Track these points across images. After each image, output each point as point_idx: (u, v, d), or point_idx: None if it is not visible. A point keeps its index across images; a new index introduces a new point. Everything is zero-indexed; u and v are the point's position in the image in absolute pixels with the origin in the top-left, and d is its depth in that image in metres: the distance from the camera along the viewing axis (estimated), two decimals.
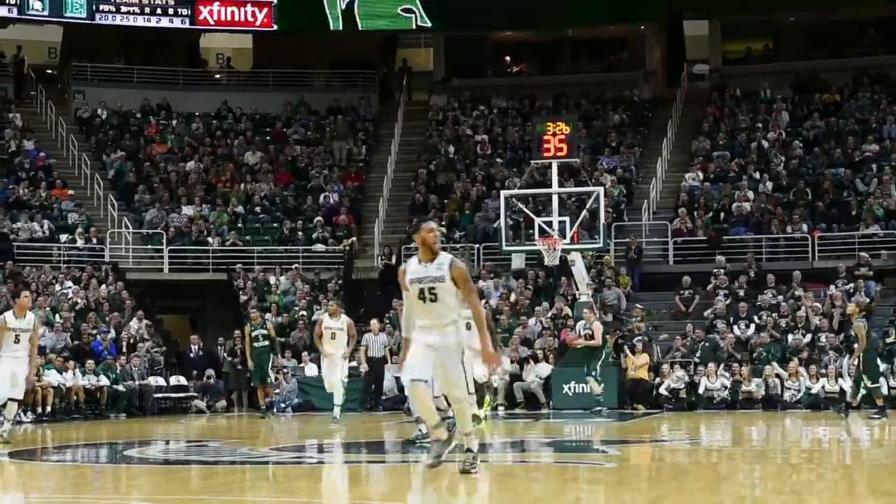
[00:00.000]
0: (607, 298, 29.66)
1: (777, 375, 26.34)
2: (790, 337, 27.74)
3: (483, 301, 29.98)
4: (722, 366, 26.75)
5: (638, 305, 29.55)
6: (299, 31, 41.12)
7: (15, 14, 38.44)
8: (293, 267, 32.76)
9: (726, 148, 36.28)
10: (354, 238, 34.82)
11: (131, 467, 14.43)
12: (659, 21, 40.52)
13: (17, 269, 30.25)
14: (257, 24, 40.42)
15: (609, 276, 30.60)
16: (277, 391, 27.11)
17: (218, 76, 43.21)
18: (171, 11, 39.68)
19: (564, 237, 26.73)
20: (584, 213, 27.53)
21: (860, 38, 39.92)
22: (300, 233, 34.70)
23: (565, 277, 29.60)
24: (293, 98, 41.23)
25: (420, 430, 15.58)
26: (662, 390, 26.32)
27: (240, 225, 35.37)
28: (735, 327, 28.22)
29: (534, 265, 31.16)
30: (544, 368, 26.81)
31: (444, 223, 34.63)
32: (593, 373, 24.39)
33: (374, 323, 26.98)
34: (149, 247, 34.56)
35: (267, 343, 25.14)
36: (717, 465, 14.31)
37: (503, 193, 28.82)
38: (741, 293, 29.61)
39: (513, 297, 30.43)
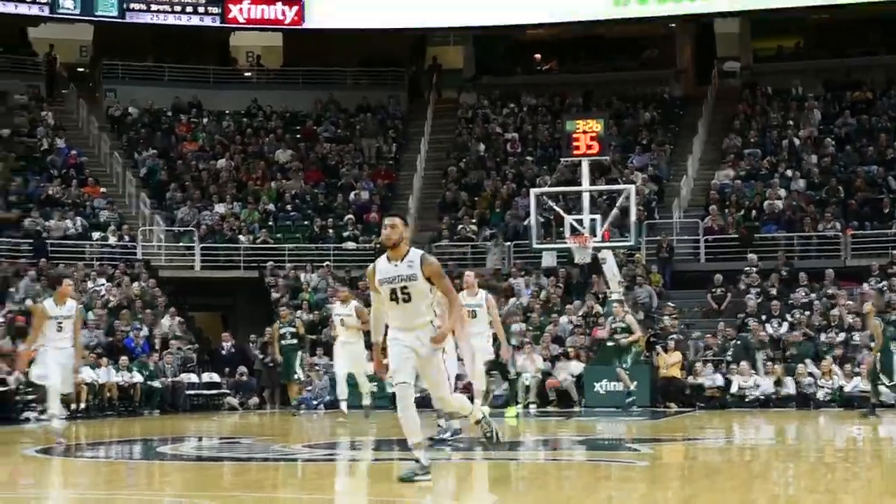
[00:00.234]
0: (639, 296, 29.57)
1: (810, 374, 26.20)
2: (823, 335, 27.59)
3: (514, 298, 30.19)
4: (754, 364, 26.62)
5: (670, 304, 29.46)
6: (329, 29, 41.14)
7: (46, 13, 38.62)
8: (324, 264, 32.80)
9: (757, 145, 36.14)
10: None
11: (164, 464, 14.48)
12: (689, 19, 40.39)
13: (51, 266, 30.41)
14: (287, 22, 40.49)
15: (640, 273, 30.53)
16: (309, 388, 27.15)
17: (248, 74, 43.32)
18: (201, 10, 39.81)
19: (595, 235, 26.64)
20: (614, 210, 27.45)
21: (893, 35, 39.65)
22: (331, 230, 34.75)
23: (596, 275, 29.53)
24: (323, 96, 41.31)
25: (439, 426, 15.55)
26: (696, 388, 26.24)
27: (271, 223, 35.45)
28: (767, 325, 28.09)
29: (565, 263, 31.11)
30: (576, 366, 26.76)
31: (474, 221, 34.65)
32: (624, 365, 24.32)
33: None
34: (180, 244, 34.67)
35: (295, 341, 25.16)
36: (750, 463, 14.27)
37: (533, 191, 28.75)
38: (773, 291, 29.47)
39: (543, 295, 30.41)
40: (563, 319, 28.88)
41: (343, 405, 21.66)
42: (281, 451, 15.67)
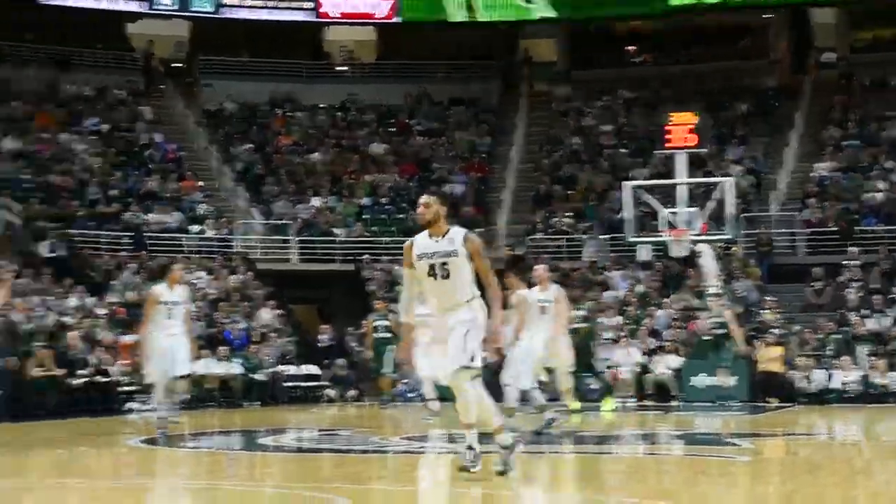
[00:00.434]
0: (737, 290, 29.29)
1: None
2: None
3: (610, 292, 30.03)
4: (856, 359, 26.25)
5: (769, 297, 29.15)
6: (422, 23, 41.25)
7: (144, 9, 39.22)
8: None
9: (856, 137, 35.62)
10: (480, 229, 34.82)
11: (266, 455, 14.63)
12: (785, 9, 39.94)
13: (150, 259, 30.82)
14: (380, 16, 40.66)
15: (738, 267, 30.24)
16: (406, 381, 27.25)
17: (342, 69, 43.56)
18: (295, 5, 40.13)
19: (692, 228, 26.46)
20: (711, 203, 27.21)
21: None
22: None
23: (693, 269, 29.31)
24: (416, 89, 41.40)
25: (545, 419, 15.53)
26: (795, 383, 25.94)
27: (366, 216, 35.62)
28: (869, 319, 27.67)
29: (661, 257, 30.91)
30: (674, 360, 26.57)
31: (568, 214, 34.53)
32: (726, 364, 24.11)
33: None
34: (277, 237, 34.96)
35: (389, 334, 25.11)
36: (852, 459, 14.09)
37: (629, 184, 28.61)
38: (874, 285, 29.04)
39: (640, 289, 30.24)
40: (661, 313, 28.69)
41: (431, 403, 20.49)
42: (379, 442, 15.75)
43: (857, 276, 29.52)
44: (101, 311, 27.04)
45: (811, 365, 26.11)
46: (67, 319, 24.33)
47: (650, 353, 26.91)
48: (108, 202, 33.76)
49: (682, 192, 27.13)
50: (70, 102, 38.16)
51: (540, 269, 17.10)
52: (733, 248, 30.88)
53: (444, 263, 10.48)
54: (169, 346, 15.71)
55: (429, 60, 42.12)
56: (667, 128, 27.62)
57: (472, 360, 10.32)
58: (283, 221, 34.96)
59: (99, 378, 23.65)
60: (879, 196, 32.52)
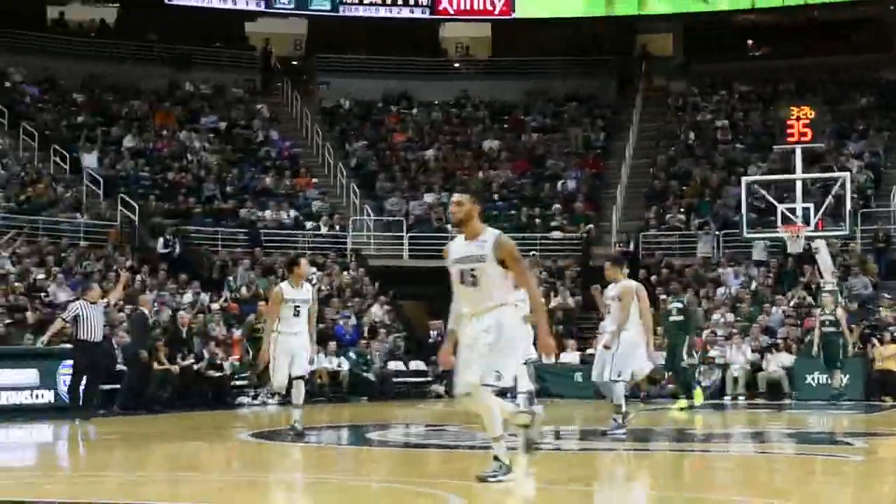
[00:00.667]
0: (854, 287, 28.79)
1: None
2: None
3: (722, 288, 29.72)
4: None
5: (886, 295, 28.58)
6: (537, 19, 41.15)
7: (262, 7, 39.78)
8: (531, 254, 32.80)
9: None
10: (592, 225, 34.68)
11: (372, 450, 14.69)
12: None
13: (265, 255, 31.17)
14: (496, 12, 40.67)
15: (855, 263, 29.71)
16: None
17: (457, 65, 43.65)
18: (411, 2, 40.36)
19: (808, 224, 26.05)
20: (829, 199, 26.76)
21: None
22: (538, 220, 34.75)
23: (809, 265, 28.84)
24: (531, 86, 41.33)
25: (614, 420, 15.28)
26: None
27: None
28: None
29: (776, 253, 30.49)
30: (786, 358, 26.19)
31: (682, 210, 34.22)
32: (839, 365, 23.68)
33: None
34: (389, 234, 35.13)
35: None
36: None
37: (745, 179, 28.27)
38: None
39: (753, 286, 29.86)
40: (775, 310, 28.30)
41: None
42: (486, 439, 15.70)
43: None
44: (215, 307, 27.42)
45: None
46: (182, 314, 24.68)
47: (763, 350, 26.55)
48: (224, 199, 34.24)
49: (798, 188, 26.69)
50: (188, 100, 38.81)
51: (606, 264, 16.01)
52: (850, 245, 30.34)
53: (473, 269, 9.77)
54: (291, 347, 15.20)
55: (544, 56, 42.02)
56: (787, 122, 27.17)
57: (498, 379, 9.70)
58: (396, 218, 35.12)
59: (212, 372, 23.98)
60: None
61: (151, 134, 36.24)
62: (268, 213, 33.84)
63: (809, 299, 27.91)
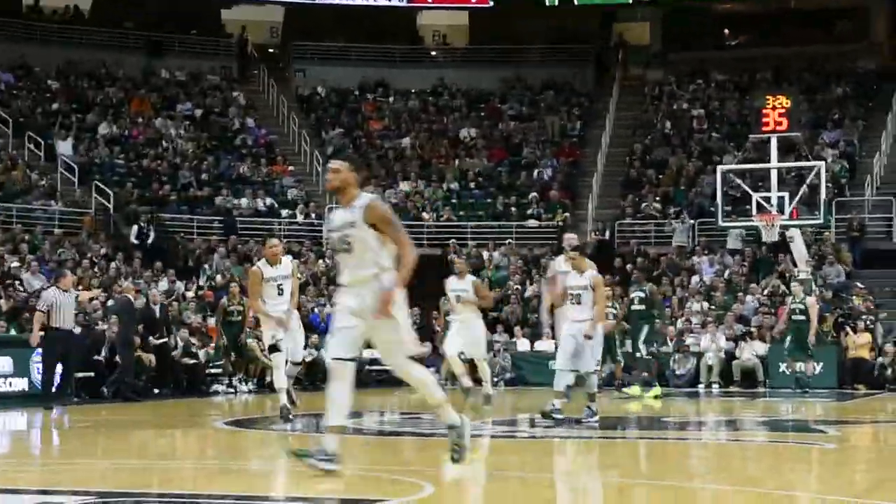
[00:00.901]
0: (828, 276, 28.91)
1: None
2: None
3: (697, 277, 29.78)
4: None
5: (858, 284, 28.72)
6: (515, 7, 41.13)
7: None
8: (507, 242, 32.87)
9: None
10: (568, 213, 34.73)
11: (347, 437, 14.65)
12: None
13: (240, 243, 31.09)
14: (473, 0, 40.61)
15: (830, 252, 29.83)
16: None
17: (434, 53, 43.59)
18: None
19: (783, 213, 26.13)
20: (803, 188, 26.84)
21: None
22: (514, 208, 34.77)
23: (783, 254, 28.95)
24: (508, 74, 41.32)
25: (588, 408, 15.31)
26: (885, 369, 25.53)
27: (454, 201, 35.63)
28: None
29: (751, 241, 30.60)
30: (760, 346, 26.29)
31: (658, 198, 34.28)
32: (808, 352, 23.74)
33: None
34: None
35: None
36: None
37: (720, 168, 28.35)
38: None
39: (728, 274, 29.96)
40: (749, 299, 28.40)
41: (465, 380, 19.16)
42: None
43: None
44: (190, 295, 27.35)
45: None
46: (153, 292, 24.61)
47: (737, 339, 26.64)
48: (199, 186, 34.16)
49: (773, 177, 26.76)
50: (164, 88, 38.67)
51: (572, 249, 15.93)
52: (825, 234, 30.47)
53: (346, 235, 9.47)
54: (290, 331, 15.08)
55: (521, 45, 42.00)
56: (763, 111, 27.24)
57: (413, 345, 9.69)
58: None
59: (186, 360, 23.90)
60: None
61: (127, 121, 36.11)
62: (243, 201, 33.77)
63: (784, 288, 28.00)
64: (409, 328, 9.69)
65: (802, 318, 23.73)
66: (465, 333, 18.83)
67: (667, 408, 20.19)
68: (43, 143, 33.38)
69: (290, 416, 15.26)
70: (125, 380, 21.45)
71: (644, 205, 34.16)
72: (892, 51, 40.15)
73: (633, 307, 22.51)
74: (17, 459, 12.38)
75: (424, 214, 34.72)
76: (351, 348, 9.59)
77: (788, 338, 24.05)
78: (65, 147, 33.62)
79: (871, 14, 40.76)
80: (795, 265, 27.27)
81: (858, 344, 25.72)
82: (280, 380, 15.37)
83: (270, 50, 42.89)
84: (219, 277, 28.72)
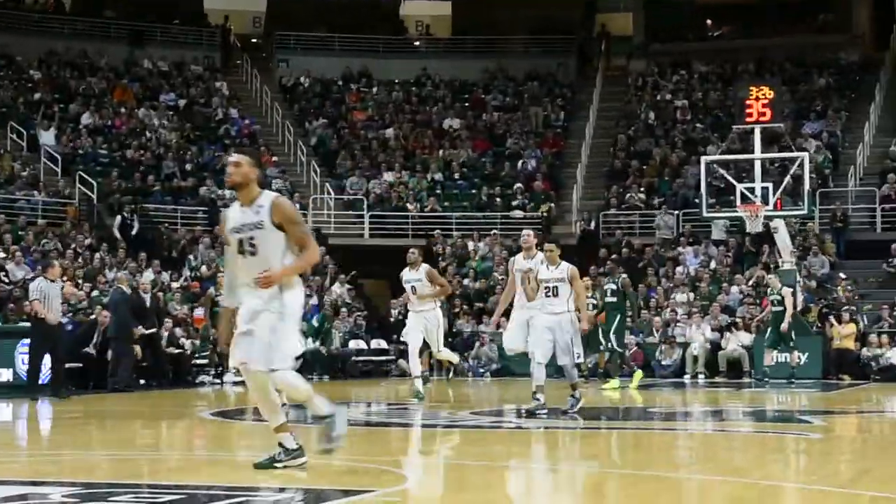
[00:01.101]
0: (812, 266, 28.99)
1: None
2: None
3: (681, 268, 29.83)
4: None
5: (841, 275, 28.80)
6: None
7: None
8: (491, 233, 32.87)
9: None
10: (552, 204, 34.75)
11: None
12: None
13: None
14: None
15: (814, 243, 29.91)
16: (475, 356, 27.24)
17: (417, 44, 43.55)
18: None
19: (767, 204, 26.16)
20: (787, 179, 26.89)
21: None
22: (498, 199, 34.77)
23: (768, 245, 29.02)
24: (491, 64, 41.29)
25: (537, 399, 15.27)
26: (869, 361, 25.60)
27: (439, 191, 35.62)
28: None
29: (735, 232, 30.66)
30: (746, 337, 26.35)
31: (642, 189, 34.31)
32: (791, 343, 23.76)
33: None
34: (350, 213, 35.06)
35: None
36: None
37: (704, 159, 28.34)
38: None
39: (712, 265, 30.02)
40: (734, 289, 28.47)
41: (418, 382, 18.33)
42: (450, 417, 15.76)
43: None
44: (175, 286, 27.30)
45: (885, 342, 25.73)
46: (141, 281, 24.56)
47: (722, 329, 26.70)
48: (183, 177, 34.05)
49: (757, 167, 26.80)
50: (147, 78, 38.55)
51: (551, 246, 15.76)
52: (809, 224, 30.54)
53: (252, 238, 9.07)
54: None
55: (504, 35, 41.99)
56: (746, 102, 27.26)
57: (284, 361, 9.06)
58: (356, 196, 35.05)
59: (172, 349, 23.85)
60: None
61: (109, 111, 35.98)
62: (227, 192, 33.64)
63: (768, 279, 28.06)
64: (291, 341, 9.14)
65: (780, 308, 23.79)
66: (423, 325, 18.43)
67: (652, 398, 20.25)
68: (25, 133, 33.25)
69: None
70: (122, 372, 21.41)
71: (628, 195, 34.20)
72: (874, 42, 40.23)
73: (606, 299, 22.49)
74: (3, 450, 12.34)
75: (409, 205, 34.69)
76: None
77: (769, 329, 24.14)
78: (47, 137, 33.51)
79: (854, 5, 40.84)
80: (780, 256, 27.31)
81: (844, 334, 25.78)
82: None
83: (253, 40, 42.80)
84: (204, 268, 28.67)
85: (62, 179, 32.20)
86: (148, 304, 23.31)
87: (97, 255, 27.74)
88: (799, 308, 25.80)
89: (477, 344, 27.85)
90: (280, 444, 9.40)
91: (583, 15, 43.06)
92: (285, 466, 9.33)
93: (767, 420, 16.35)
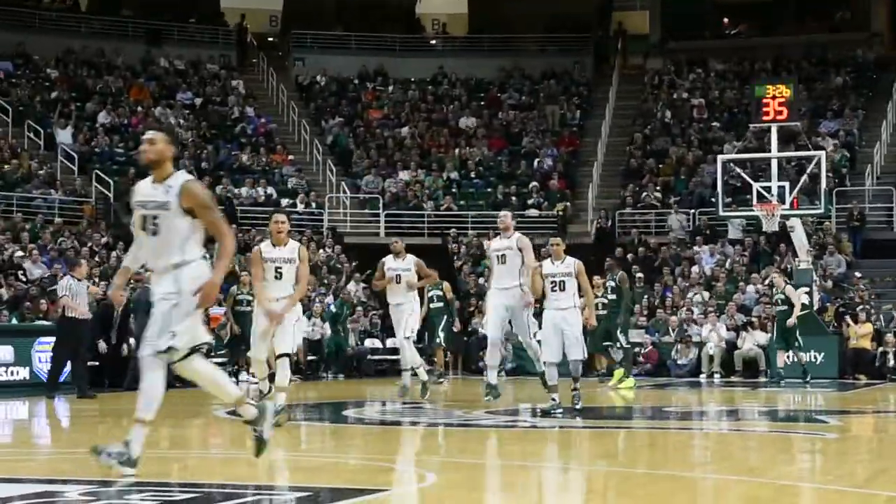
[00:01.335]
0: (828, 265, 28.92)
1: None
2: None
3: (697, 267, 29.76)
4: None
5: (857, 274, 28.71)
6: None
7: None
8: None
9: None
10: (568, 203, 34.72)
11: (348, 427, 14.69)
12: None
13: (240, 232, 31.06)
14: None
15: (830, 242, 29.84)
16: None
17: (433, 42, 43.55)
18: None
19: (784, 203, 26.12)
20: (804, 178, 26.82)
21: None
22: (514, 198, 34.75)
23: (783, 244, 28.95)
24: (507, 63, 41.28)
25: (553, 399, 15.26)
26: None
27: (454, 190, 35.62)
28: None
29: (752, 231, 30.60)
30: (762, 336, 26.29)
31: (658, 188, 34.26)
32: (797, 345, 23.63)
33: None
34: (366, 211, 35.09)
35: (441, 304, 24.25)
36: None
37: (720, 158, 28.31)
38: None
39: (728, 264, 29.96)
40: (750, 288, 28.40)
41: (406, 376, 18.29)
42: (464, 416, 15.75)
43: None
44: None
45: None
46: None
47: (738, 329, 26.64)
48: (199, 175, 34.02)
49: (774, 166, 26.74)
50: (163, 76, 38.62)
51: (555, 241, 15.76)
52: (825, 223, 30.48)
53: (155, 217, 8.79)
54: (262, 320, 13.48)
55: (520, 34, 41.97)
56: (763, 101, 27.21)
57: (174, 339, 8.73)
58: (372, 195, 35.06)
59: None
60: None
61: (126, 110, 36.06)
62: (243, 191, 33.73)
63: (772, 277, 27.98)
64: (185, 325, 8.76)
65: (784, 307, 23.67)
66: (399, 316, 18.11)
67: (668, 397, 20.22)
68: (42, 131, 33.34)
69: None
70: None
71: (644, 194, 34.15)
72: (891, 40, 40.12)
73: (608, 296, 22.43)
74: (20, 448, 12.38)
75: (424, 204, 34.70)
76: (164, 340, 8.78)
77: (776, 329, 24.06)
78: (64, 136, 33.59)
79: (871, 3, 40.74)
80: (796, 255, 27.24)
81: (860, 334, 25.65)
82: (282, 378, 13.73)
83: (270, 38, 42.85)
84: None
85: (79, 178, 32.29)
86: None
87: (113, 253, 27.79)
88: (815, 307, 25.75)
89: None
90: (249, 422, 9.17)
91: (599, 13, 43.03)
92: (263, 431, 9.14)
93: (783, 420, 16.31)
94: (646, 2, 42.51)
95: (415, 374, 18.36)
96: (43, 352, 20.67)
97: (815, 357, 24.50)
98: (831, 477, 9.80)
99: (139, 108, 36.32)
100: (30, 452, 11.96)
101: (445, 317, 24.00)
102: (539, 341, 15.86)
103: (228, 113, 37.77)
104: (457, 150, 37.16)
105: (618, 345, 22.27)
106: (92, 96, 36.25)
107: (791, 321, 23.40)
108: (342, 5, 42.59)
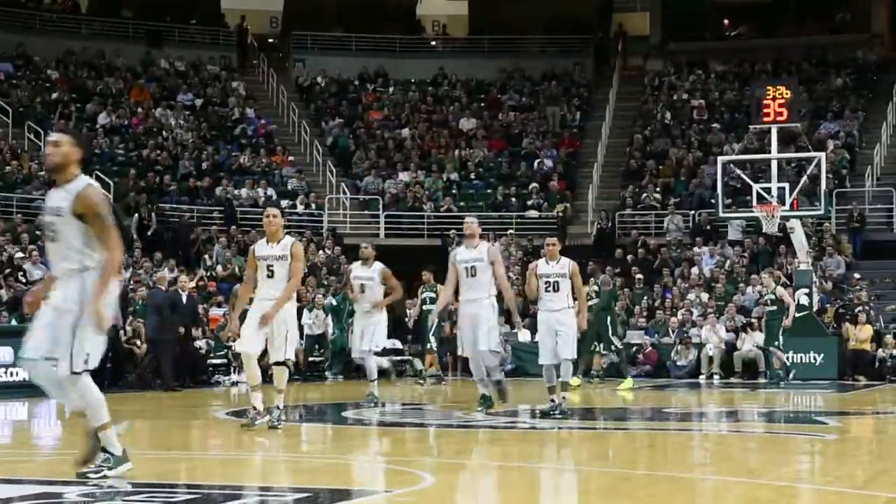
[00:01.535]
0: (828, 267, 28.92)
1: None
2: None
3: (696, 268, 29.76)
4: None
5: (857, 275, 28.71)
6: None
7: None
8: (507, 233, 32.85)
9: None
10: (568, 204, 34.73)
11: (348, 428, 14.70)
12: None
13: (240, 233, 31.07)
14: None
15: (830, 243, 29.84)
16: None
17: (434, 43, 43.56)
18: None
19: (784, 204, 26.12)
20: (804, 179, 26.82)
21: None
22: (514, 199, 34.76)
23: (783, 245, 28.95)
24: (508, 64, 41.29)
25: (552, 400, 15.24)
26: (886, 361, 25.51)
27: (454, 191, 35.62)
28: None
29: (752, 233, 30.61)
30: (761, 337, 26.26)
31: (658, 189, 34.26)
32: (776, 343, 23.59)
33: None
34: (366, 212, 35.09)
35: (434, 306, 24.15)
36: None
37: (720, 159, 28.31)
38: None
39: (728, 266, 29.95)
40: (749, 290, 28.39)
41: (372, 385, 17.65)
42: (463, 418, 15.75)
43: None
44: (191, 286, 27.28)
45: None
46: (183, 279, 24.60)
47: (738, 330, 26.64)
48: (199, 177, 34.11)
49: (774, 167, 26.74)
50: (164, 78, 38.64)
51: (551, 241, 15.77)
52: (825, 224, 30.48)
53: (52, 223, 8.44)
54: (252, 319, 12.95)
55: (521, 35, 41.99)
56: (763, 102, 27.22)
57: (87, 363, 8.50)
58: (372, 196, 35.08)
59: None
60: None
61: (126, 111, 36.08)
62: (244, 192, 33.73)
63: (762, 277, 27.98)
64: (66, 336, 8.37)
65: (774, 308, 23.65)
66: (364, 326, 17.57)
67: (668, 398, 20.23)
68: (42, 132, 33.31)
69: (255, 420, 13.32)
70: (167, 373, 21.51)
71: (644, 196, 34.16)
72: (892, 42, 40.14)
73: (593, 300, 22.41)
74: (19, 450, 12.39)
75: (424, 205, 34.71)
76: (45, 348, 8.41)
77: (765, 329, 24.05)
78: None
79: (872, 4, 40.75)
80: (796, 256, 27.24)
81: (859, 336, 25.62)
82: (249, 378, 13.53)
83: (270, 40, 42.87)
84: (220, 268, 28.72)
85: None
86: (185, 301, 23.23)
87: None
88: (815, 309, 25.76)
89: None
90: (103, 449, 8.72)
91: (600, 14, 43.04)
92: (104, 476, 8.57)
93: (782, 421, 16.31)
94: (646, 3, 42.52)
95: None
96: None
97: (815, 358, 24.50)
98: (831, 478, 9.81)
99: (139, 110, 36.34)
100: (29, 453, 11.96)
101: (436, 321, 23.84)
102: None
103: (229, 114, 37.79)
104: (457, 152, 37.17)
105: (612, 347, 22.28)
106: (92, 97, 36.26)
107: (787, 322, 23.40)
108: (342, 6, 42.61)
